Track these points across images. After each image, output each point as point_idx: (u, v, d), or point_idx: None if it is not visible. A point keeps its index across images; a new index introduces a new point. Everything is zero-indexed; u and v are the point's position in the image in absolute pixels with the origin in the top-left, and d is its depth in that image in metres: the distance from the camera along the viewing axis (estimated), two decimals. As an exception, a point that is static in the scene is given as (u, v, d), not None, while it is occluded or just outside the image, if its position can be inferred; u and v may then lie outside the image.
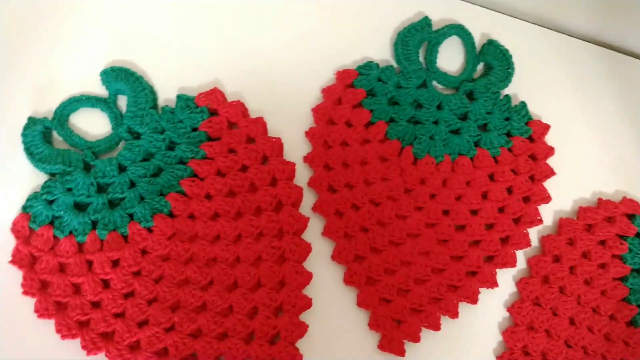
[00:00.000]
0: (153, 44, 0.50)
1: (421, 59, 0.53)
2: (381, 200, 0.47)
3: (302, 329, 0.43)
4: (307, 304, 0.44)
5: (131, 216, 0.44)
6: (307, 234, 0.46)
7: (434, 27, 0.53)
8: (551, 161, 0.51)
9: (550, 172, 0.51)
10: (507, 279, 0.49)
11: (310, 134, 0.49)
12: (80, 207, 0.44)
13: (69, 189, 0.44)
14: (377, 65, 0.51)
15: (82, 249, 0.43)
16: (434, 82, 0.52)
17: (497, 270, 0.48)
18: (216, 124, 0.47)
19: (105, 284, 0.43)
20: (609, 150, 0.54)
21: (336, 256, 0.46)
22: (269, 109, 0.49)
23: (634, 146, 0.55)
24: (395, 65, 0.52)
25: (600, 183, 0.53)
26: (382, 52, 0.53)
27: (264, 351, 0.42)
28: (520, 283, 0.48)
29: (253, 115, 0.48)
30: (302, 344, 0.43)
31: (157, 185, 0.45)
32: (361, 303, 0.45)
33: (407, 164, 0.49)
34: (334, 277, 0.46)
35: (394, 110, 0.50)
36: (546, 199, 0.50)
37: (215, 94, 0.47)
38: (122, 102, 0.48)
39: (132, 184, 0.45)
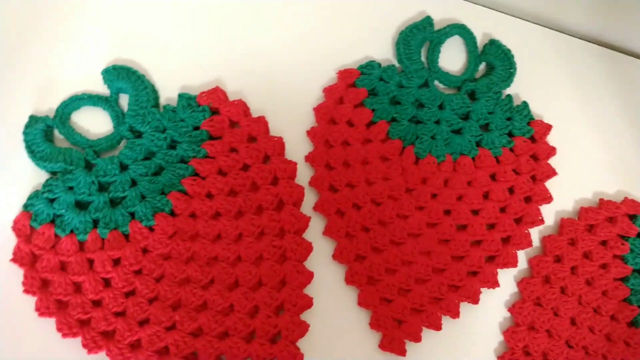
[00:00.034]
0: (154, 43, 0.50)
1: (423, 58, 0.53)
2: (382, 200, 0.47)
3: (303, 328, 0.43)
4: (308, 303, 0.44)
5: (132, 215, 0.44)
6: (308, 234, 0.46)
7: (436, 27, 0.53)
8: (552, 161, 0.51)
9: (551, 172, 0.51)
10: (508, 279, 0.49)
11: (311, 134, 0.48)
12: (81, 206, 0.44)
13: (70, 188, 0.44)
14: (379, 64, 0.51)
15: (83, 248, 0.43)
16: (436, 82, 0.52)
17: (498, 270, 0.48)
18: (218, 123, 0.47)
19: (106, 282, 0.43)
20: (611, 150, 0.55)
21: (337, 256, 0.46)
22: (271, 109, 0.49)
23: (635, 146, 0.55)
24: (397, 64, 0.52)
25: (602, 183, 0.53)
26: (383, 52, 0.53)
27: (265, 350, 0.42)
28: (522, 283, 0.48)
29: (255, 115, 0.48)
30: (303, 344, 0.43)
31: (158, 184, 0.45)
32: (362, 303, 0.45)
33: (408, 163, 0.49)
34: (335, 276, 0.46)
35: (395, 110, 0.50)
36: (548, 199, 0.50)
37: (217, 92, 0.47)
38: (124, 100, 0.48)
39: (134, 183, 0.45)
